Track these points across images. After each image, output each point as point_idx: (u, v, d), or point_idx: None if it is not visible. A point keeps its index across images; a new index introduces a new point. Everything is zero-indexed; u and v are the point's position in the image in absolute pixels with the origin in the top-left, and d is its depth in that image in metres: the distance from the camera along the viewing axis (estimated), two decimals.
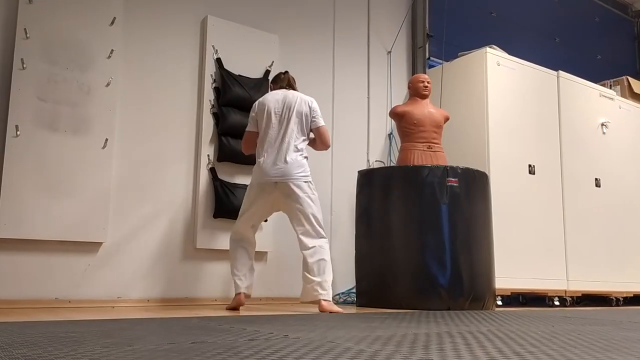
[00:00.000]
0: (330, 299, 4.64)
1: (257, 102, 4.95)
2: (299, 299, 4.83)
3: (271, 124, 4.78)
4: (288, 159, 4.68)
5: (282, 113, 4.81)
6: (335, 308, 4.57)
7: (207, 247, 5.41)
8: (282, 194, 4.69)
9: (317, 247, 4.64)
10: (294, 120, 4.80)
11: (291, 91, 4.97)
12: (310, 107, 4.89)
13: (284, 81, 5.06)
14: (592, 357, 1.91)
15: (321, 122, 4.93)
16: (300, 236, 4.68)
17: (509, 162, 6.50)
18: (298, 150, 4.76)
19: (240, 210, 4.88)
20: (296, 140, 4.78)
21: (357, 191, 5.83)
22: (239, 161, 5.55)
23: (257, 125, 4.88)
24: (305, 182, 4.72)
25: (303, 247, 4.66)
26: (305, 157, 4.80)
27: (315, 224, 4.68)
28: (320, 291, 4.58)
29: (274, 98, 4.89)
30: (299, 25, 6.49)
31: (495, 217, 5.82)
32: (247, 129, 4.94)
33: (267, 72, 5.88)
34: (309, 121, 4.88)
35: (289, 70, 5.32)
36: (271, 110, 4.82)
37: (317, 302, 4.60)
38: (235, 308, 4.71)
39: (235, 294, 4.74)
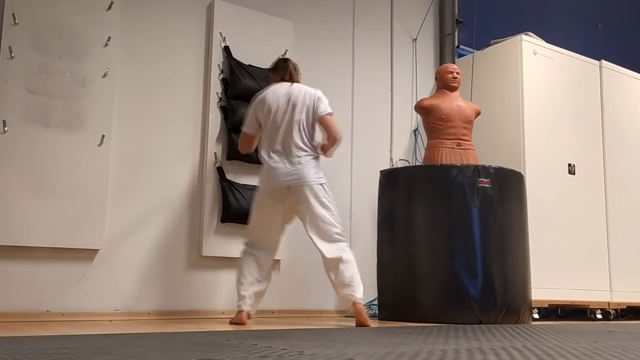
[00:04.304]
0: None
1: (255, 100, 4.89)
2: (344, 312, 4.89)
3: (275, 123, 4.75)
4: (297, 160, 4.69)
5: (286, 110, 4.76)
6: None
7: (213, 255, 5.40)
8: (296, 199, 4.69)
9: (339, 255, 4.67)
10: (299, 117, 4.76)
11: (295, 85, 4.91)
12: (315, 98, 4.83)
13: (285, 71, 4.99)
14: None
15: (327, 109, 4.83)
16: (318, 245, 4.68)
17: (546, 161, 6.46)
18: (306, 150, 4.75)
19: (250, 223, 4.86)
20: (303, 139, 4.76)
21: (379, 193, 5.80)
22: (249, 160, 5.50)
23: (255, 126, 4.84)
24: (320, 184, 4.72)
25: (323, 254, 4.67)
26: (316, 157, 4.80)
27: (331, 229, 4.70)
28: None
29: (275, 94, 4.83)
30: (315, 10, 6.46)
31: (531, 221, 5.77)
32: (243, 130, 4.91)
33: None
34: (314, 114, 4.83)
35: (304, 60, 5.29)
36: (272, 108, 4.77)
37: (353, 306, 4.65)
38: (238, 323, 4.66)
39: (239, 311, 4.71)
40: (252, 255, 4.76)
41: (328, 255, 4.65)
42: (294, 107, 4.77)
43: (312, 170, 4.71)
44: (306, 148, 4.75)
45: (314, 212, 4.67)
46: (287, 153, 4.69)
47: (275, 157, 4.69)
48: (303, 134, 4.76)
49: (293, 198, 4.69)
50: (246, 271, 4.72)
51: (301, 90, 4.85)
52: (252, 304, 4.67)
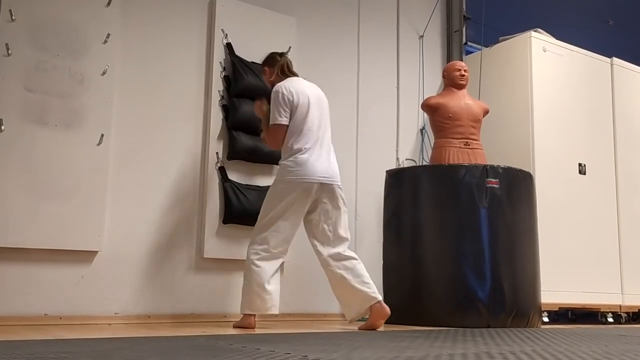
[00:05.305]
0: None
1: (292, 90, 4.73)
2: (346, 318, 4.86)
3: (313, 117, 4.74)
4: (332, 159, 4.77)
5: (317, 108, 4.80)
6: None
7: (215, 257, 5.38)
8: (324, 197, 4.69)
9: (353, 254, 4.75)
10: (327, 117, 4.88)
11: (311, 83, 4.95)
12: (325, 100, 4.97)
13: (285, 65, 4.95)
14: None
15: None
16: (330, 243, 4.69)
17: (556, 160, 6.45)
18: (333, 151, 4.85)
19: (266, 217, 4.68)
20: (330, 139, 4.87)
21: (385, 193, 5.80)
22: (252, 159, 5.51)
23: (288, 118, 4.71)
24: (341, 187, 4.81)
25: (341, 257, 4.68)
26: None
27: (347, 235, 4.78)
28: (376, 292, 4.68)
29: (311, 90, 4.84)
30: (320, 6, 6.44)
31: (540, 222, 5.77)
32: (279, 122, 4.68)
33: None
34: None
35: (308, 57, 5.26)
36: (312, 102, 4.77)
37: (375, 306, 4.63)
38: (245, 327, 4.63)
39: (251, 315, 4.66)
40: (269, 256, 4.64)
41: (342, 251, 4.69)
42: (322, 106, 4.86)
43: (338, 170, 4.80)
44: (332, 149, 4.84)
45: (338, 213, 4.73)
46: (323, 151, 4.72)
47: (312, 151, 4.66)
48: (330, 134, 4.85)
49: (320, 195, 4.67)
50: (265, 274, 4.60)
51: (318, 89, 4.93)
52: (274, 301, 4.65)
